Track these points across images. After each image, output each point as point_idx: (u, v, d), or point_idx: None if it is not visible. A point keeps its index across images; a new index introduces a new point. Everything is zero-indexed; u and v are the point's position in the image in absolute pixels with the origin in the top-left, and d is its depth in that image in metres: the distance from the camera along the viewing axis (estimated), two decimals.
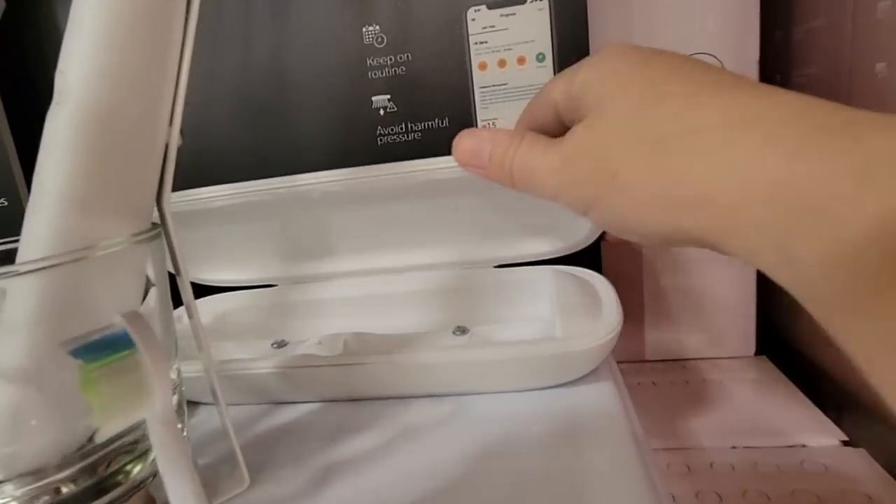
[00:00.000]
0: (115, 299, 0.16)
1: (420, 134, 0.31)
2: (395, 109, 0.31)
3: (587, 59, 0.20)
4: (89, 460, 0.16)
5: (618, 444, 0.19)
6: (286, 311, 0.29)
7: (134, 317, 0.11)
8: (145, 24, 0.15)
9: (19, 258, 0.15)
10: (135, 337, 0.11)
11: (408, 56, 0.30)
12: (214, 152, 0.32)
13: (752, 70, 0.31)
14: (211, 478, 0.19)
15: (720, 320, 0.35)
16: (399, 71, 0.30)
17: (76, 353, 0.10)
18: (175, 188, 0.24)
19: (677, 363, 0.36)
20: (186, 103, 0.32)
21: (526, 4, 0.28)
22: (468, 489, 0.18)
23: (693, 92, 0.16)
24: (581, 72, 0.18)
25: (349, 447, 0.21)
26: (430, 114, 0.31)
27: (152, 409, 0.11)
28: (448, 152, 0.31)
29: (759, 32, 0.31)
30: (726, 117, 0.14)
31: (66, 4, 0.15)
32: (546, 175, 0.17)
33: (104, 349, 0.10)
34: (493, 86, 0.30)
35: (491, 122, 0.30)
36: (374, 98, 0.31)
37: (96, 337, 0.10)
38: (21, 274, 0.14)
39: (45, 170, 0.15)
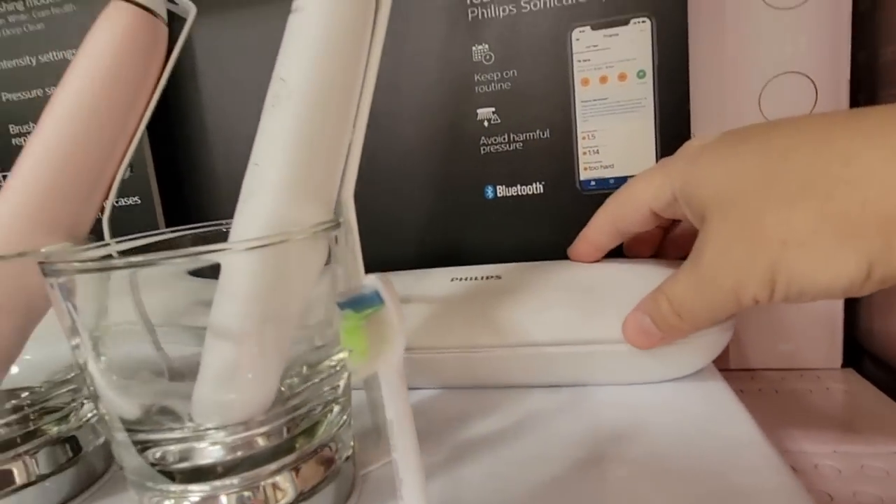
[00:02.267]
0: (306, 278, 0.18)
1: (521, 144, 0.33)
2: (499, 121, 0.33)
3: (668, 162, 0.22)
4: (283, 420, 0.18)
5: (748, 435, 0.20)
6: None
7: (384, 278, 0.13)
8: (350, 37, 0.18)
9: (233, 236, 0.18)
10: (385, 295, 0.13)
11: (514, 72, 0.32)
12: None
13: (844, 89, 0.32)
14: (360, 448, 0.21)
15: (805, 330, 0.35)
16: (505, 86, 0.33)
17: (346, 304, 0.12)
18: None
19: (760, 373, 0.36)
20: None
21: (629, 25, 0.30)
22: (602, 474, 0.19)
23: (809, 136, 0.17)
24: (675, 177, 0.21)
25: (476, 430, 0.23)
26: (532, 125, 0.33)
27: (388, 361, 0.13)
28: (546, 162, 0.33)
29: (850, 53, 0.32)
30: (878, 133, 0.15)
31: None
32: (712, 292, 0.19)
33: (364, 303, 0.12)
34: (594, 100, 0.32)
35: (590, 134, 0.32)
36: (479, 110, 0.33)
37: (359, 293, 0.13)
38: (240, 251, 0.16)
39: (263, 161, 0.17)
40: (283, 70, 0.18)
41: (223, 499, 0.17)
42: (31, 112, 0.36)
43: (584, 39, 0.31)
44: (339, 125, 0.18)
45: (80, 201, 0.21)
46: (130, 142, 0.22)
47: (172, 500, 0.17)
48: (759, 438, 0.20)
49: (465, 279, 0.27)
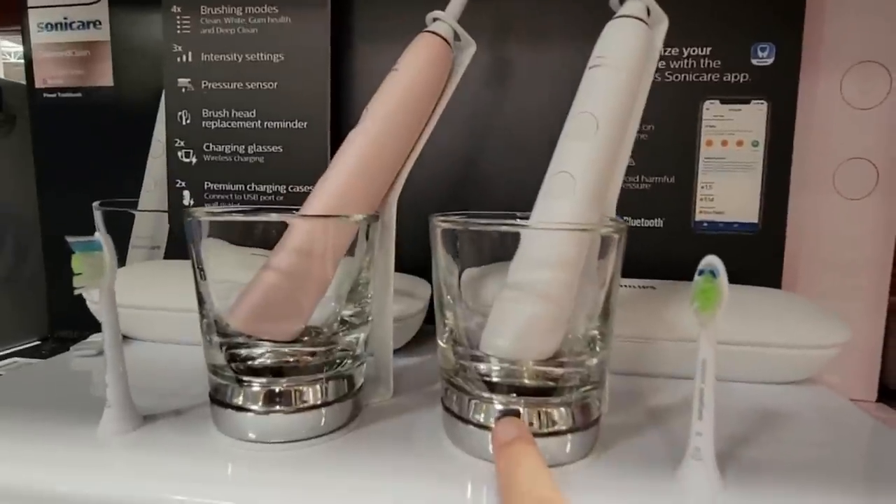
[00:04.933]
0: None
1: (649, 185, 0.40)
2: (633, 164, 0.40)
3: None
4: (556, 370, 0.23)
5: (872, 426, 0.27)
6: None
7: (717, 260, 0.19)
8: (634, 83, 0.25)
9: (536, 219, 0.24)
10: (721, 271, 0.19)
11: (651, 127, 0.40)
12: (484, 180, 0.41)
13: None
14: None
15: (848, 362, 0.43)
16: (642, 136, 0.40)
17: (705, 270, 0.19)
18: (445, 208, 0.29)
19: None
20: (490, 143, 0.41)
21: (750, 104, 0.39)
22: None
23: None
24: None
25: (652, 403, 0.29)
26: (660, 171, 0.40)
27: (717, 317, 0.19)
28: (668, 202, 0.39)
29: None
30: None
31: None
32: None
33: (714, 273, 0.19)
34: (715, 158, 0.39)
35: (707, 184, 0.39)
36: None
37: (710, 266, 0.19)
38: (550, 230, 0.22)
39: (575, 172, 0.23)
40: (591, 108, 0.24)
41: (524, 412, 0.22)
42: (226, 101, 0.41)
43: (713, 110, 0.39)
44: (619, 147, 0.25)
45: (383, 182, 0.27)
46: (418, 140, 0.27)
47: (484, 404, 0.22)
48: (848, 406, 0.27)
49: (626, 286, 0.34)
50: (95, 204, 0.50)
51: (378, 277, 0.27)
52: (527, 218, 0.24)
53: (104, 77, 0.49)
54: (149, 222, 0.50)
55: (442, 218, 0.22)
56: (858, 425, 0.27)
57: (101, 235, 0.22)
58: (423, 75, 0.27)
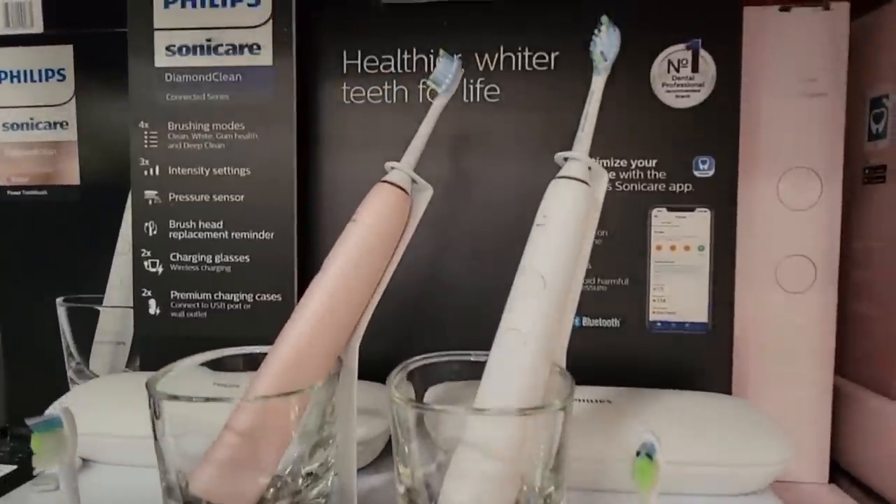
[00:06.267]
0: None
1: (605, 287, 0.42)
2: (590, 268, 0.42)
3: None
4: None
5: None
6: None
7: (654, 440, 0.20)
8: (579, 240, 0.26)
9: (503, 381, 0.25)
10: (659, 450, 0.20)
11: (605, 233, 0.42)
12: (445, 290, 0.42)
13: (835, 268, 0.44)
14: None
15: (801, 447, 0.45)
16: (597, 242, 0.42)
17: (644, 452, 0.20)
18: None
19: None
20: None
21: (694, 212, 0.41)
22: None
23: None
24: None
25: None
26: (614, 274, 0.42)
27: (657, 491, 0.20)
28: (623, 303, 0.41)
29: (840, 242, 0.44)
30: None
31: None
32: None
33: (652, 453, 0.20)
34: (664, 262, 0.41)
35: (659, 286, 0.42)
36: None
37: (648, 445, 0.20)
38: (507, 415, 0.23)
39: (527, 332, 0.25)
40: (540, 268, 0.25)
41: None
42: (193, 212, 0.41)
43: (660, 217, 0.41)
44: (565, 300, 0.26)
45: (345, 330, 0.27)
46: (379, 285, 0.29)
47: None
48: None
49: (583, 400, 0.35)
50: (59, 300, 0.50)
51: (341, 418, 0.28)
52: (483, 359, 0.26)
53: (71, 176, 0.50)
54: (115, 318, 0.50)
55: (398, 393, 0.23)
56: None
57: (60, 410, 0.23)
58: (382, 226, 0.28)
